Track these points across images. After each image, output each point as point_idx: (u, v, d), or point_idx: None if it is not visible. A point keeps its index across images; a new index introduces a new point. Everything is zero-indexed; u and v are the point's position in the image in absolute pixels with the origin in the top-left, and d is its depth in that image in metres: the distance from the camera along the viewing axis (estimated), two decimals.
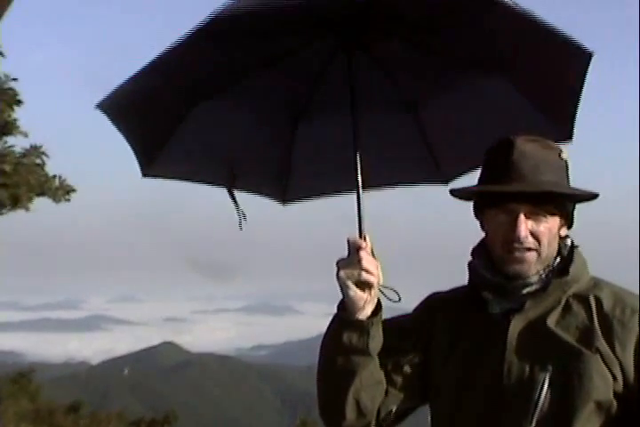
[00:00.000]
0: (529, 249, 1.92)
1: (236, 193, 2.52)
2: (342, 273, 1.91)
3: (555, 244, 1.98)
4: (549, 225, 1.94)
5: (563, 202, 1.97)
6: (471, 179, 2.14)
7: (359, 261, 1.90)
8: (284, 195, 2.80)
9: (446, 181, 2.73)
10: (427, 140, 2.67)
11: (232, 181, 2.50)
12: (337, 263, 1.94)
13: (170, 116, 2.44)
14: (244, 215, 2.48)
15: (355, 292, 1.91)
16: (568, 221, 2.02)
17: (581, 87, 2.19)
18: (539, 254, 1.93)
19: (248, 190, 2.65)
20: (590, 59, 2.05)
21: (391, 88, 2.54)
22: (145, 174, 2.56)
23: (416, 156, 2.69)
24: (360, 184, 2.18)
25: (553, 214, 1.95)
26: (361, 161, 2.18)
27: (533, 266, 1.93)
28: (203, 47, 2.01)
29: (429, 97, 2.56)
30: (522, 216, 1.90)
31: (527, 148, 1.95)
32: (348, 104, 2.25)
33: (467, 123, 2.60)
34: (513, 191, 1.91)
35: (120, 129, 2.37)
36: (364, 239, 2.00)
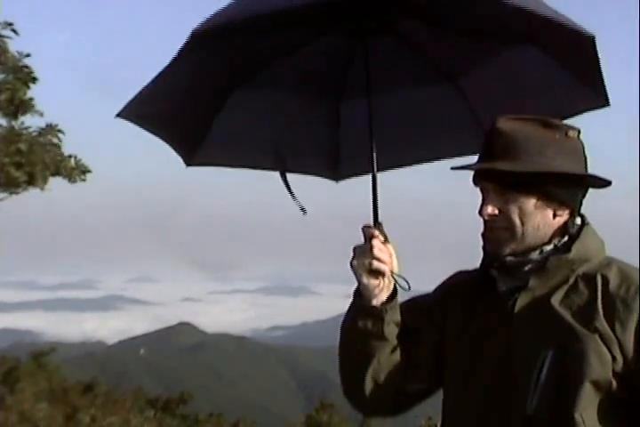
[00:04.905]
0: (499, 228, 1.91)
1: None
2: (354, 262, 1.97)
3: (535, 223, 1.90)
4: (521, 204, 1.89)
5: (538, 180, 1.88)
6: None
7: (371, 249, 1.94)
8: (336, 173, 2.80)
9: None
10: (471, 107, 2.61)
11: (282, 164, 2.46)
12: (353, 250, 1.98)
13: (206, 107, 2.46)
14: (302, 208, 2.42)
15: (367, 280, 1.96)
16: (561, 203, 1.92)
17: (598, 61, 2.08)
18: (512, 233, 1.90)
19: (298, 172, 2.61)
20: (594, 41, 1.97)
21: (424, 62, 2.53)
22: (189, 164, 2.60)
23: (460, 126, 2.65)
24: (375, 171, 2.19)
25: (526, 193, 1.89)
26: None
27: (506, 245, 1.91)
28: (226, 40, 2.03)
29: (465, 67, 2.53)
30: (486, 194, 1.92)
31: (506, 126, 1.91)
32: (383, 82, 2.24)
33: (505, 92, 2.54)
34: (468, 169, 1.94)
35: (150, 130, 2.41)
36: (379, 227, 2.03)
